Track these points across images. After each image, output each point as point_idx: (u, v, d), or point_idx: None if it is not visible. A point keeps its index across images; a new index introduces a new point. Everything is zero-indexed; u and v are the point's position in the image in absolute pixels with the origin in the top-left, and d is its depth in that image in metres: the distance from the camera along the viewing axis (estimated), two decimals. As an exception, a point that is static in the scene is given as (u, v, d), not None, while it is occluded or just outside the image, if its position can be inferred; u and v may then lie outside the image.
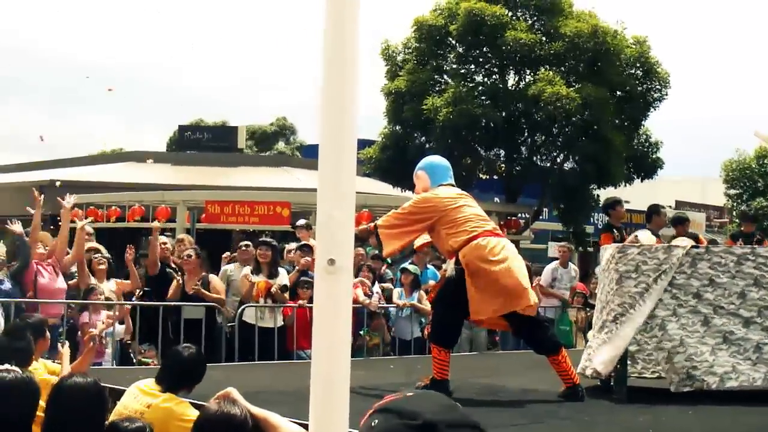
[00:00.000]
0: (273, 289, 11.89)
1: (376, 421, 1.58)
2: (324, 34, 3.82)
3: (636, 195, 32.92)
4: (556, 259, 17.26)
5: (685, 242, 9.94)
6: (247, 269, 12.05)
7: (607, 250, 9.45)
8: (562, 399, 8.58)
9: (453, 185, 9.13)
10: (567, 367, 8.67)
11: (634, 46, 29.78)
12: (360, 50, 3.86)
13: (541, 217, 33.06)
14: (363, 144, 32.67)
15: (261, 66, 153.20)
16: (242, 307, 11.77)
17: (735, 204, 40.09)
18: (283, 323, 12.01)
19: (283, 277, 12.16)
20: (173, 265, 12.60)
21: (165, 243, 13.18)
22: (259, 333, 11.70)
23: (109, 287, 11.53)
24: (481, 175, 31.88)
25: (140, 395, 5.81)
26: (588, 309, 14.42)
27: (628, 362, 8.90)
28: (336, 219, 3.76)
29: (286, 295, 12.09)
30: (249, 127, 70.22)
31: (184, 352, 6.08)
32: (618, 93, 29.48)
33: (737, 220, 17.11)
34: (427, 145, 29.98)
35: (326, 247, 3.77)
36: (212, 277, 12.29)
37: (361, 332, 12.83)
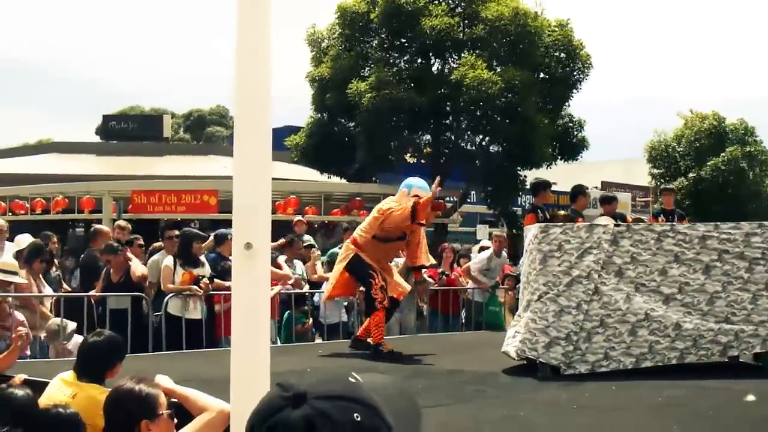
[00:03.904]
0: (202, 282, 11.78)
1: (266, 393, 1.60)
2: (237, 25, 3.83)
3: (562, 176, 33.28)
4: (482, 242, 17.36)
5: (605, 221, 10.09)
6: (170, 259, 11.93)
7: (531, 230, 9.53)
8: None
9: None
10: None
11: (556, 29, 30.03)
12: (271, 41, 3.87)
13: (468, 200, 33.25)
14: (290, 130, 32.60)
15: (204, 54, 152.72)
16: (167, 297, 11.66)
17: (658, 183, 40.62)
18: (207, 314, 11.90)
19: (207, 267, 12.06)
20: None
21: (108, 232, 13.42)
22: (187, 324, 11.62)
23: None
24: (408, 159, 31.97)
25: (63, 386, 5.74)
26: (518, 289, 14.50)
27: (560, 342, 8.97)
28: (252, 204, 3.77)
29: (210, 285, 11.97)
30: (185, 113, 69.83)
31: (92, 340, 6.01)
32: (541, 75, 29.72)
33: (660, 199, 17.21)
34: (353, 130, 30.02)
35: (243, 232, 3.78)
36: (133, 265, 12.10)
37: (291, 315, 12.88)
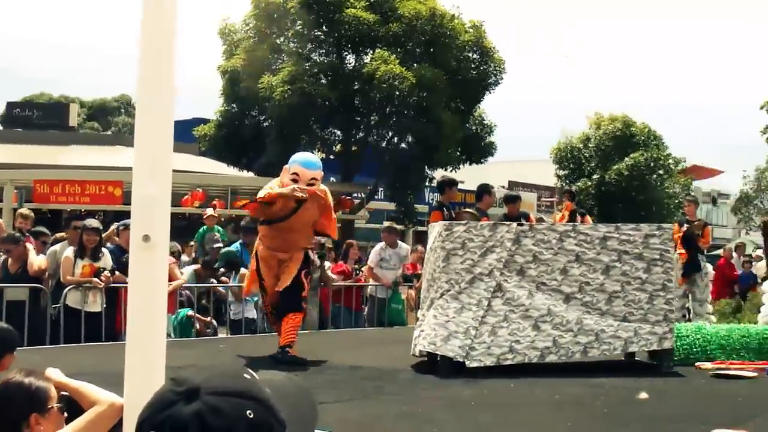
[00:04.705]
0: (103, 275, 11.58)
1: (161, 387, 1.59)
2: (142, 12, 3.78)
3: (470, 175, 33.47)
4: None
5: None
6: (70, 251, 11.70)
7: (435, 228, 9.60)
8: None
9: None
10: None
11: (470, 31, 30.24)
12: (177, 29, 3.83)
13: (376, 197, 33.31)
14: (198, 122, 32.36)
15: (109, 40, 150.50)
16: (66, 289, 11.44)
17: (563, 184, 41.15)
18: (107, 306, 11.71)
19: (108, 259, 11.86)
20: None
21: None
22: (86, 317, 11.44)
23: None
24: (318, 154, 31.93)
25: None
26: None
27: (458, 336, 9.04)
28: (151, 196, 3.73)
29: (111, 277, 11.78)
30: (88, 102, 68.74)
31: None
32: (453, 76, 29.90)
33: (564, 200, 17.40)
34: (264, 124, 29.89)
35: (141, 223, 3.74)
36: (30, 257, 11.85)
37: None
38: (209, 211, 17.16)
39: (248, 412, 1.55)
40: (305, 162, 9.97)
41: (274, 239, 9.93)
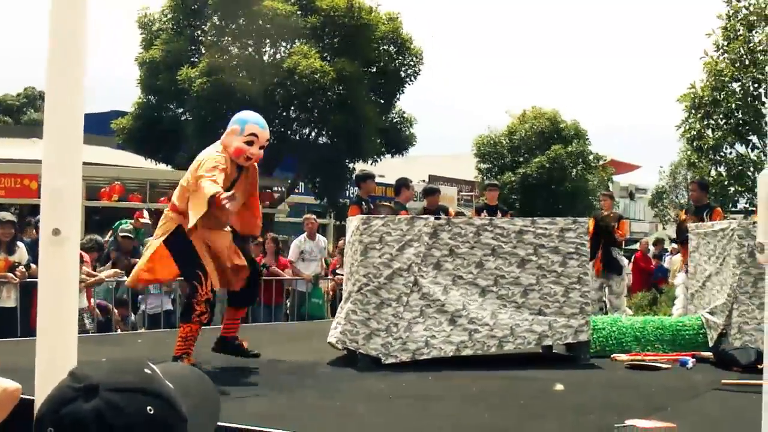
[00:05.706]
0: (18, 270, 11.41)
1: (59, 383, 1.57)
2: (51, 1, 3.72)
3: (391, 169, 33.58)
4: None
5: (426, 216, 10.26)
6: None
7: (353, 222, 9.61)
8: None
9: None
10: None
11: (387, 23, 30.28)
12: (87, 18, 3.78)
13: (296, 191, 33.20)
14: (116, 115, 31.97)
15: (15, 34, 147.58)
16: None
17: (485, 178, 41.31)
18: (23, 302, 11.54)
19: (23, 253, 11.70)
20: None
21: None
22: (0, 312, 11.27)
23: None
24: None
25: None
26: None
27: (380, 333, 9.05)
28: (61, 189, 3.69)
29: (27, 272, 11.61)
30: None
31: None
32: (373, 68, 29.94)
33: (485, 194, 17.44)
34: (183, 117, 29.62)
35: (51, 217, 3.69)
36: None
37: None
38: (146, 216, 16.56)
39: (149, 408, 1.54)
40: (262, 123, 8.61)
41: (209, 219, 8.17)
